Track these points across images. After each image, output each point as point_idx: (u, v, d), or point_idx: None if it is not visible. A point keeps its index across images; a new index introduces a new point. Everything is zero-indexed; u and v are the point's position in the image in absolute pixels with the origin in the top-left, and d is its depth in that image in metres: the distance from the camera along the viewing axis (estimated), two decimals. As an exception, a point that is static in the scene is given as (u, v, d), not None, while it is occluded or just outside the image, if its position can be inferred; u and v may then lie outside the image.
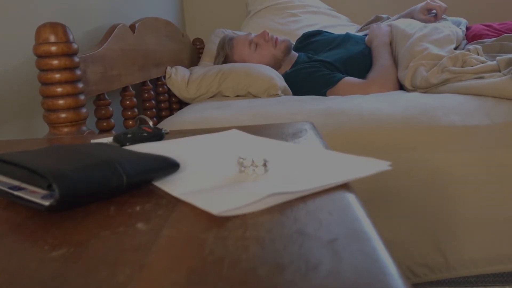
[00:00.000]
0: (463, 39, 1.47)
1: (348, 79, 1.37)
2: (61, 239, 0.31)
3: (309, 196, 0.36)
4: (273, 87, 1.35)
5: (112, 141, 0.58)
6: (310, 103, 1.15)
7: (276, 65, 1.55)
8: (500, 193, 0.90)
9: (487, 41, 1.36)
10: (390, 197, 0.92)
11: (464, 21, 1.59)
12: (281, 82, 1.39)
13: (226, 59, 1.63)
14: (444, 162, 0.91)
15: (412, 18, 1.63)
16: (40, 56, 0.81)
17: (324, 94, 1.35)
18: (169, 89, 1.53)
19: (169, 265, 0.26)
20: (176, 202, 0.37)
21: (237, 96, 1.43)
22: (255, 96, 1.41)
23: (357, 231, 0.29)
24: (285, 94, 1.38)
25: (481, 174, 0.90)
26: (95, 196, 0.37)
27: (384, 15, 1.80)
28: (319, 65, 1.44)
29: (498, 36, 1.38)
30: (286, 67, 1.56)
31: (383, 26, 1.57)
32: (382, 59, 1.41)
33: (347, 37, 1.61)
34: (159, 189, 0.40)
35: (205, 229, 0.31)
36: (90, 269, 0.27)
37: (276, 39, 1.57)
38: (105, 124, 1.04)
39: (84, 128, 0.87)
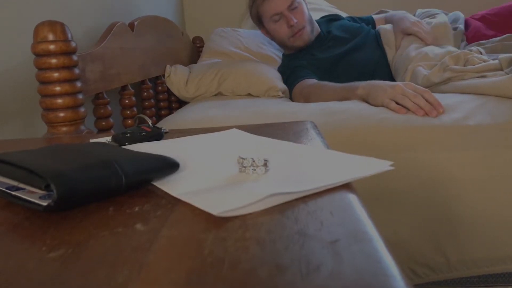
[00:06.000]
0: (462, 41, 1.47)
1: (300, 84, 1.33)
2: (59, 239, 0.31)
3: (310, 196, 0.36)
4: (273, 88, 1.35)
5: (111, 140, 0.57)
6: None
7: (281, 46, 1.56)
8: (502, 192, 0.90)
9: (487, 42, 1.36)
10: (390, 197, 0.92)
11: (461, 16, 1.57)
12: (281, 84, 1.38)
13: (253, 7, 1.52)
14: (445, 162, 0.91)
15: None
16: (39, 55, 0.81)
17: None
18: (168, 88, 1.52)
19: (168, 266, 0.26)
20: (175, 202, 0.37)
21: (237, 95, 1.43)
22: (254, 96, 1.41)
23: (358, 232, 0.29)
24: (285, 95, 1.38)
25: (483, 174, 0.90)
26: (94, 196, 0.37)
27: (389, 10, 1.79)
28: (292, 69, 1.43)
29: (496, 35, 1.38)
30: (290, 51, 1.55)
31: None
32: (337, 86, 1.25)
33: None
34: (159, 189, 0.40)
35: (204, 230, 0.31)
36: (88, 270, 0.26)
37: (299, 33, 1.44)
38: (104, 123, 1.04)
39: (82, 127, 0.86)
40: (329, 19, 1.65)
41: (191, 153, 0.50)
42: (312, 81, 1.32)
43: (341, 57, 1.43)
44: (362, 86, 1.11)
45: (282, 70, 1.50)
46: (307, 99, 1.24)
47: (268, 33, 1.54)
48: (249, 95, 1.40)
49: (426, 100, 0.97)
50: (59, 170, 0.36)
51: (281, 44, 1.55)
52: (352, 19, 1.69)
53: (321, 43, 1.51)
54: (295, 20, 1.42)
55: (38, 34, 0.80)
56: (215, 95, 1.45)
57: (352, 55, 1.43)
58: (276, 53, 1.72)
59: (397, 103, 1.00)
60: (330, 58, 1.43)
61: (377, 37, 1.50)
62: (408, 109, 0.98)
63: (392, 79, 1.36)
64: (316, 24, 1.55)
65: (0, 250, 0.30)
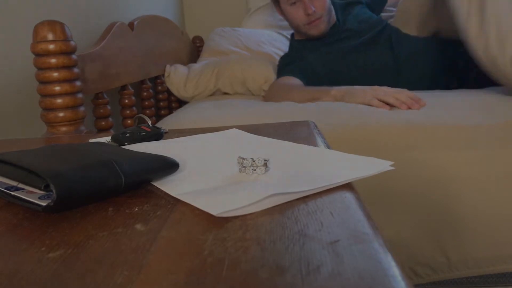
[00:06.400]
0: None
1: (279, 80, 1.30)
2: (58, 240, 0.31)
3: (310, 197, 0.36)
4: (270, 77, 1.35)
5: (110, 140, 0.57)
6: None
7: (293, 28, 1.49)
8: (502, 192, 0.90)
9: None
10: (391, 196, 0.92)
11: None
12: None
13: None
14: (445, 161, 0.91)
15: None
16: (38, 55, 0.81)
17: None
18: (168, 88, 1.52)
19: (168, 267, 0.26)
20: (175, 202, 0.36)
21: (237, 93, 1.43)
22: (253, 94, 1.41)
23: (359, 232, 0.29)
24: None
25: (484, 173, 0.90)
26: (93, 196, 0.37)
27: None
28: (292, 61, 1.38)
29: None
30: (301, 37, 1.50)
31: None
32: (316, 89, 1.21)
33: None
34: (158, 189, 0.40)
35: (204, 230, 0.31)
36: (87, 270, 0.26)
37: (315, 22, 1.37)
38: (103, 123, 1.04)
39: (82, 127, 0.86)
40: (348, 3, 1.55)
41: (190, 153, 0.50)
42: (291, 80, 1.29)
43: (348, 52, 1.37)
44: (338, 88, 1.13)
45: (284, 56, 1.45)
46: (272, 96, 1.23)
47: (282, 13, 1.47)
48: (248, 90, 1.40)
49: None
50: (59, 170, 0.35)
51: (294, 28, 1.48)
52: None
53: (334, 34, 1.43)
54: (313, 9, 1.35)
55: (37, 33, 0.80)
56: (213, 93, 1.45)
57: (359, 54, 1.37)
58: (276, 52, 1.71)
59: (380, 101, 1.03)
60: (338, 51, 1.38)
61: (391, 35, 1.41)
62: (391, 105, 1.02)
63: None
64: (333, 12, 1.47)
65: (-1, 250, 0.30)
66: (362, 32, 1.42)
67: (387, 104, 1.03)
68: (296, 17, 1.40)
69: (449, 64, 1.35)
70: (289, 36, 1.76)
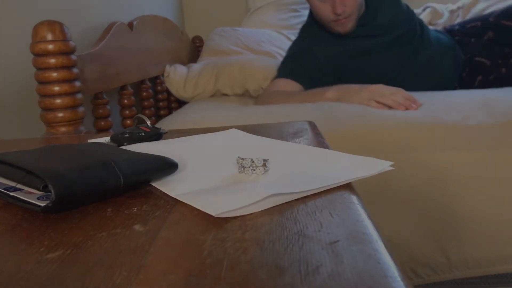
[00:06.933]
0: None
1: (275, 82, 1.28)
2: (57, 240, 0.31)
3: (309, 197, 0.36)
4: (268, 75, 1.34)
5: (109, 140, 0.57)
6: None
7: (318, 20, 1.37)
8: (503, 192, 0.89)
9: None
10: (391, 197, 0.92)
11: None
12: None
13: None
14: (446, 162, 0.91)
15: None
16: (37, 55, 0.81)
17: None
18: (168, 88, 1.52)
19: (167, 268, 0.26)
20: (174, 203, 0.36)
21: (236, 95, 1.43)
22: (252, 96, 1.41)
23: (358, 233, 0.29)
24: None
25: (484, 173, 0.90)
26: (92, 197, 0.37)
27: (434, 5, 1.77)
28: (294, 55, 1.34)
29: None
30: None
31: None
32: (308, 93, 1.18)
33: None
34: (157, 189, 0.40)
35: (203, 231, 0.31)
36: (86, 271, 0.26)
37: (342, 21, 1.27)
38: (103, 123, 1.03)
39: (81, 127, 0.86)
40: None
41: (190, 153, 0.50)
42: (287, 85, 1.26)
43: (363, 54, 1.31)
44: (333, 89, 1.12)
45: (297, 41, 1.38)
46: (265, 101, 1.21)
47: (309, 3, 1.36)
48: (247, 91, 1.40)
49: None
50: (57, 170, 0.35)
51: (319, 20, 1.36)
52: None
53: (359, 29, 1.31)
54: (343, 9, 1.24)
55: (37, 33, 0.80)
56: (214, 93, 1.45)
57: (373, 57, 1.30)
58: (277, 51, 1.70)
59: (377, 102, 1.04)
60: (353, 51, 1.31)
61: (415, 39, 1.32)
62: (388, 106, 1.02)
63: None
64: (363, 4, 1.33)
65: (-3, 251, 0.30)
66: (391, 30, 1.32)
67: (385, 105, 1.03)
68: (322, 13, 1.30)
69: (460, 71, 1.34)
70: (289, 36, 1.76)
